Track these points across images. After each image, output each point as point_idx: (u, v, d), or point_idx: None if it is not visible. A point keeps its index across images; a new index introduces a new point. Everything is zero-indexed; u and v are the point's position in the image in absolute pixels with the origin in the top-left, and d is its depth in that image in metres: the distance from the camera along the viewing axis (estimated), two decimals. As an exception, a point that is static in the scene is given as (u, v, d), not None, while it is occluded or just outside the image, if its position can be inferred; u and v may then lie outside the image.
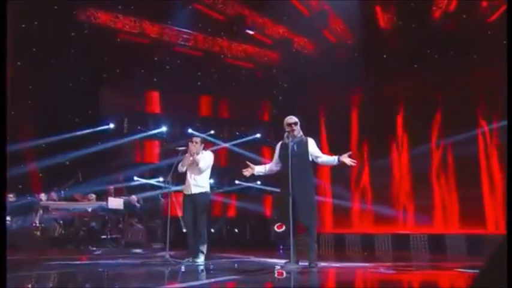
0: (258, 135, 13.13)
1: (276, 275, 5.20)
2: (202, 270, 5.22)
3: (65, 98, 11.80)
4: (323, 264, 5.43)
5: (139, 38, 12.45)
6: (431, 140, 11.80)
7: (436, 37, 11.61)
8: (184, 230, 11.24)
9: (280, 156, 5.50)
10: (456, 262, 7.31)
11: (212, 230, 11.52)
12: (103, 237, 9.47)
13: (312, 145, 5.42)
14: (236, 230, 12.17)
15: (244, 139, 13.00)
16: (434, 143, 11.77)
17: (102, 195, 10.29)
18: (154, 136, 13.01)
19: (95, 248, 8.96)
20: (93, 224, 9.43)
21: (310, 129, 12.85)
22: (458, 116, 11.39)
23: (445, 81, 11.70)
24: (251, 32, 12.05)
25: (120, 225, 9.72)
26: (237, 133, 13.10)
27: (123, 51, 12.45)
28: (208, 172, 6.41)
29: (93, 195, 9.96)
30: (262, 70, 13.44)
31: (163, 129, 12.99)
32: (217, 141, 12.58)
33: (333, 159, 5.35)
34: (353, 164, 5.24)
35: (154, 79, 13.07)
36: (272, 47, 12.92)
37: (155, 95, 13.58)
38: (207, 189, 6.36)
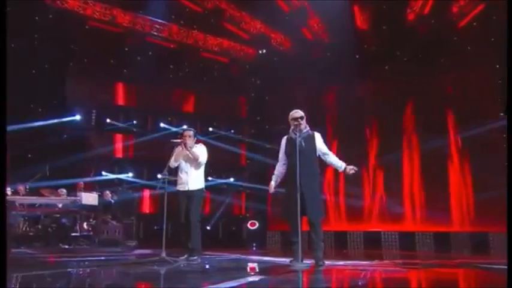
0: (232, 131, 12.94)
1: (248, 271, 5.10)
2: (208, 269, 5.01)
3: (28, 86, 11.03)
4: (327, 262, 5.33)
5: (109, 26, 11.88)
6: (401, 139, 12.15)
7: (406, 39, 11.93)
8: (155, 227, 10.91)
9: (286, 151, 5.36)
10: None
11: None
12: (74, 234, 8.92)
13: (319, 140, 5.32)
14: (208, 228, 11.91)
15: (217, 134, 12.77)
16: (405, 143, 12.13)
17: (71, 190, 9.70)
18: (124, 129, 12.46)
19: (66, 246, 8.44)
20: (64, 220, 8.85)
21: (283, 127, 12.98)
22: (428, 118, 11.83)
23: (414, 83, 12.12)
24: (228, 26, 11.81)
25: (93, 222, 9.20)
26: (210, 128, 12.81)
27: (92, 39, 11.83)
28: (203, 167, 6.18)
29: (64, 190, 9.34)
30: (238, 65, 13.23)
31: (134, 122, 12.48)
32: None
33: (340, 164, 5.28)
34: (354, 171, 5.20)
35: (124, 70, 12.50)
36: (249, 42, 12.74)
37: (125, 87, 13.01)
38: (203, 185, 6.13)
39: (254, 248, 11.49)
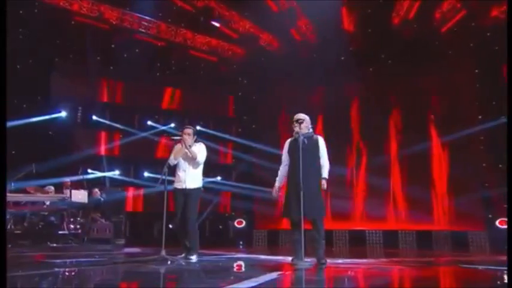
0: (219, 130, 12.93)
1: (235, 269, 5.14)
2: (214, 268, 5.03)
3: (11, 82, 10.74)
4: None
5: (96, 22, 11.76)
6: (385, 139, 12.43)
7: (391, 42, 12.21)
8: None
9: (289, 151, 5.42)
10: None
11: (170, 226, 11.22)
12: (61, 232, 8.76)
13: (321, 144, 5.42)
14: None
15: (204, 133, 12.72)
16: (388, 143, 12.42)
17: (57, 189, 9.52)
18: (111, 127, 12.32)
19: (54, 245, 8.30)
20: (52, 218, 8.71)
21: (270, 127, 13.12)
22: (411, 119, 12.16)
23: (398, 85, 12.44)
24: (217, 24, 11.85)
25: (82, 220, 9.07)
26: (198, 127, 12.78)
27: (78, 35, 11.67)
28: (202, 166, 6.20)
29: (52, 188, 9.18)
30: (226, 64, 13.24)
31: (120, 119, 12.35)
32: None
33: (325, 172, 5.28)
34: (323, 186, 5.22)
35: (111, 67, 12.36)
36: (237, 42, 12.77)
37: (111, 84, 12.87)
38: (201, 184, 6.13)
39: (241, 247, 11.56)
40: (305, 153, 5.17)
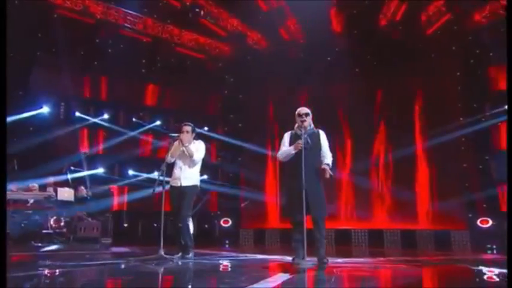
0: (206, 128, 12.78)
1: (221, 269, 5.12)
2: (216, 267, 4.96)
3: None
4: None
5: (81, 16, 11.45)
6: (371, 141, 12.55)
7: (377, 44, 12.33)
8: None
9: (290, 146, 5.32)
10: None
11: (155, 225, 11.04)
12: (46, 231, 8.48)
13: (323, 138, 5.38)
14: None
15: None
16: (374, 145, 12.56)
17: (41, 187, 9.22)
18: (94, 123, 12.02)
19: (39, 244, 8.03)
20: (37, 217, 8.42)
21: (256, 126, 13.06)
22: (396, 121, 12.32)
23: (383, 86, 12.58)
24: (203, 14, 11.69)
25: (67, 219, 8.79)
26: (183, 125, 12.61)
27: (61, 28, 11.31)
28: (199, 164, 6.11)
29: (36, 185, 8.87)
30: (212, 62, 13.11)
31: (105, 116, 12.08)
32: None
33: (326, 160, 5.28)
34: (328, 174, 5.19)
35: (95, 62, 12.07)
36: (225, 40, 12.66)
37: (95, 80, 12.57)
38: (197, 182, 6.04)
39: (227, 246, 11.47)
40: (307, 152, 5.12)
